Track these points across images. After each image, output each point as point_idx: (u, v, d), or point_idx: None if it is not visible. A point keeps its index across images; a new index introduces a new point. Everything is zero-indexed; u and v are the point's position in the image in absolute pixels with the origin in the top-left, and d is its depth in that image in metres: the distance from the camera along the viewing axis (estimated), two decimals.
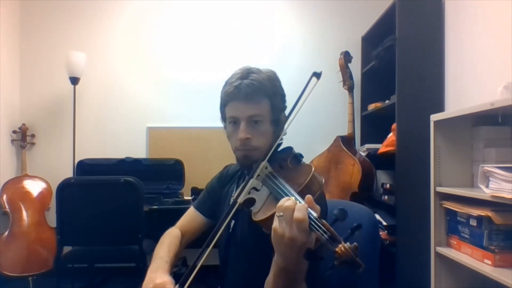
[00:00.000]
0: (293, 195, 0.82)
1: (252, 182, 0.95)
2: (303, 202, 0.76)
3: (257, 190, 0.94)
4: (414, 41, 2.47)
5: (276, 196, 0.87)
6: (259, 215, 0.87)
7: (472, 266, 1.59)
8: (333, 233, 0.69)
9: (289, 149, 1.09)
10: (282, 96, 1.13)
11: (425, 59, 2.48)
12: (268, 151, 0.99)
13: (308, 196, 0.77)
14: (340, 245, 0.66)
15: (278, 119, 1.11)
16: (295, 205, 0.74)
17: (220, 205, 1.24)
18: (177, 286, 0.92)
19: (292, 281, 0.82)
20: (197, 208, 1.29)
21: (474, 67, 2.23)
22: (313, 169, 0.91)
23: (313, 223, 0.72)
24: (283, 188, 0.87)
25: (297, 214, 0.72)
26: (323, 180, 0.92)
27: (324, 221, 0.71)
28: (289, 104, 1.08)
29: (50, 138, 3.34)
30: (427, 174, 1.96)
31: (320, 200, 0.87)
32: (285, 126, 1.05)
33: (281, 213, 0.74)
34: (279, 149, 1.10)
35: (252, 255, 1.02)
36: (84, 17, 3.38)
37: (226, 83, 1.11)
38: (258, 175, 0.95)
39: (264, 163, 0.96)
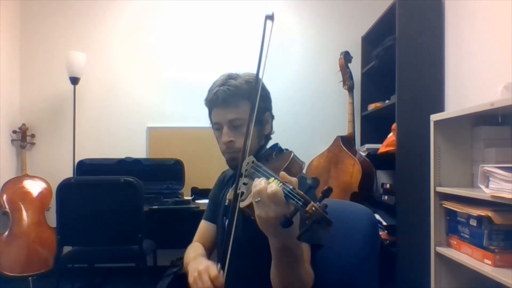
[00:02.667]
0: (272, 176, 0.85)
1: (242, 180, 0.98)
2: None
3: (245, 184, 0.98)
4: (414, 41, 2.47)
5: None
6: (244, 202, 0.90)
7: (472, 266, 1.59)
8: (306, 198, 0.72)
9: (275, 145, 1.14)
10: (263, 96, 1.15)
11: (425, 59, 2.48)
12: (253, 150, 1.04)
13: (282, 172, 0.81)
14: (310, 204, 0.69)
15: (260, 119, 1.15)
16: (267, 184, 0.77)
17: (219, 209, 1.27)
18: (218, 265, 0.98)
19: (294, 261, 0.85)
20: (206, 218, 1.34)
21: (474, 67, 2.23)
22: (292, 153, 0.96)
23: (287, 192, 0.75)
24: (265, 174, 0.90)
25: (270, 189, 0.75)
26: (304, 164, 0.97)
27: (298, 190, 0.75)
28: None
29: (50, 138, 3.34)
30: (427, 174, 1.96)
31: (300, 183, 0.89)
32: (260, 83, 1.08)
33: (258, 198, 0.78)
34: (267, 147, 1.17)
35: (248, 251, 1.05)
36: (84, 17, 3.38)
37: (208, 91, 1.16)
38: (246, 170, 0.98)
39: (247, 159, 0.99)
